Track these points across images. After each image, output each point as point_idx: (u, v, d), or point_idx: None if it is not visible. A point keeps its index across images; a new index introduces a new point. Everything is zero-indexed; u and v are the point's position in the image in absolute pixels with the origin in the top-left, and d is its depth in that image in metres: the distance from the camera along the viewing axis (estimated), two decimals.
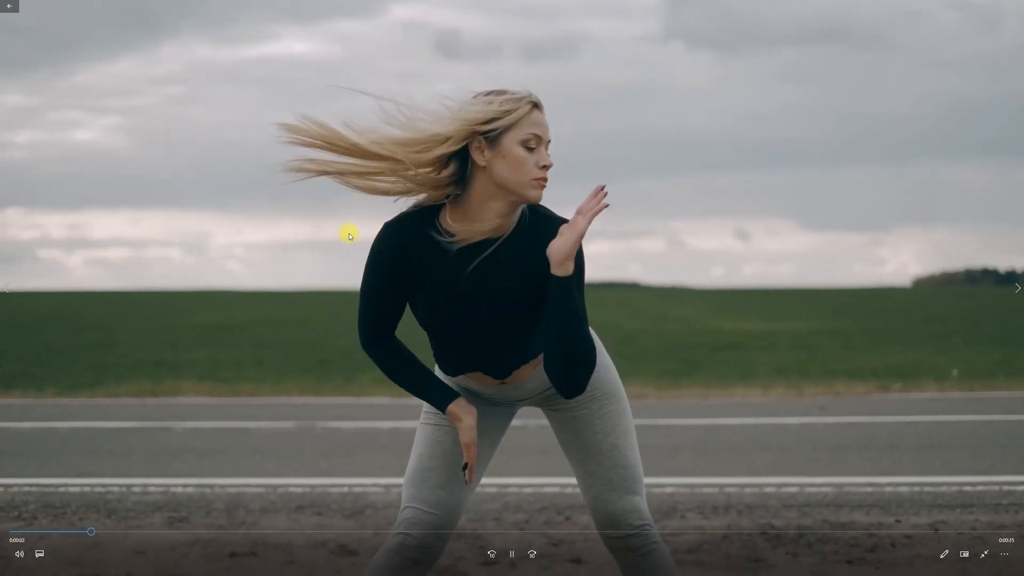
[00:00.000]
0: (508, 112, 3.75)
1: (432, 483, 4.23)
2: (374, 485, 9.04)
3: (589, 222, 3.76)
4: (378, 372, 20.89)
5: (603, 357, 4.21)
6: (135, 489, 8.94)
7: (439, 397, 4.06)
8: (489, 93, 3.81)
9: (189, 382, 18.49)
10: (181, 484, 9.13)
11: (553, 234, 3.85)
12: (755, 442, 11.26)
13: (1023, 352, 26.51)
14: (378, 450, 10.95)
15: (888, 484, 8.88)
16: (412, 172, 3.79)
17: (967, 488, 8.67)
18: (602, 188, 3.77)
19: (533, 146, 3.77)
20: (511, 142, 3.75)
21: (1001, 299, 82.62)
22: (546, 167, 3.79)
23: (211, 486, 9.05)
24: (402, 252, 3.88)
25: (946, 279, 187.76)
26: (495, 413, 4.29)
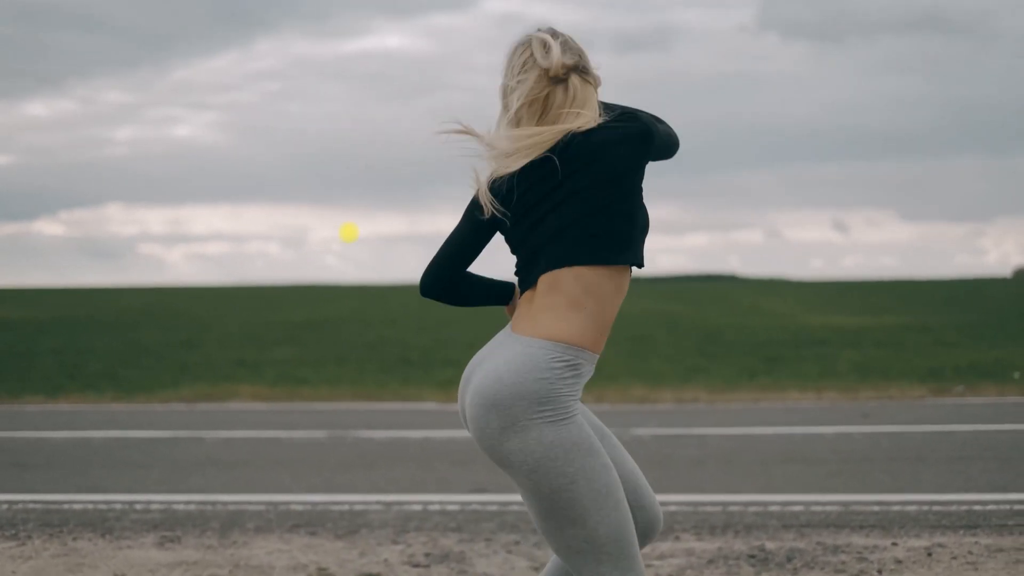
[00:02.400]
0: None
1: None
2: (377, 503, 8.97)
3: None
4: (445, 375, 21.02)
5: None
6: (137, 506, 8.94)
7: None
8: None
9: (248, 385, 18.57)
10: (184, 501, 9.12)
11: None
12: (783, 454, 11.07)
13: None
14: (401, 462, 10.89)
15: (897, 502, 8.68)
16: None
17: (976, 507, 8.45)
18: None
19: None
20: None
21: None
22: None
23: (213, 503, 9.04)
24: None
25: None
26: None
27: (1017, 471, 9.90)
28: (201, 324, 45.21)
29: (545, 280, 3.67)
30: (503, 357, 3.64)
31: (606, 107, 3.75)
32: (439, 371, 22.73)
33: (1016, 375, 18.66)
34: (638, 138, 3.63)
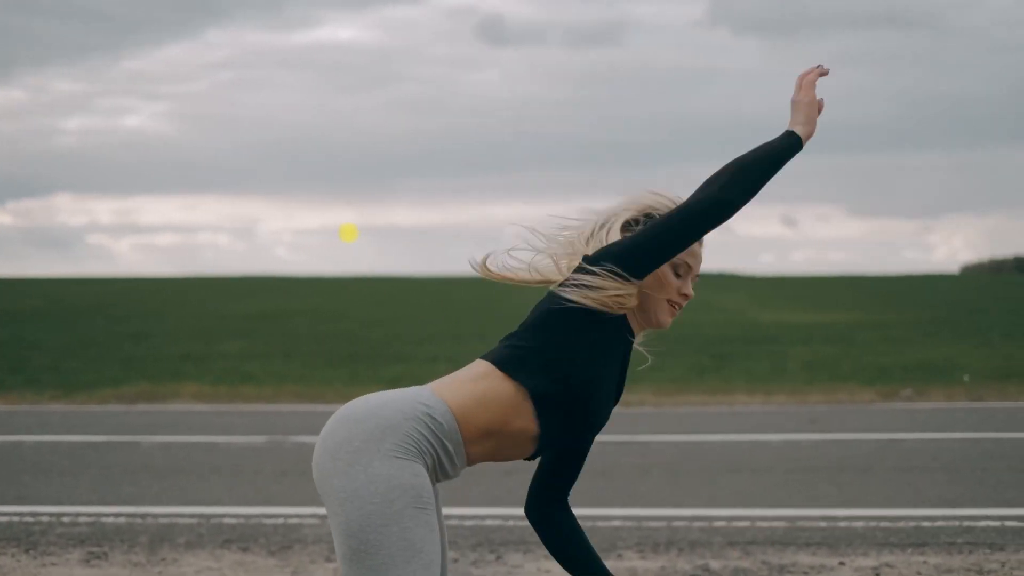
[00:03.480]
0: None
1: None
2: (312, 516, 8.74)
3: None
4: (393, 372, 20.80)
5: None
6: (64, 519, 8.66)
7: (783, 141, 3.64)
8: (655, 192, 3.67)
9: (191, 384, 18.29)
10: (114, 513, 8.85)
11: None
12: (729, 463, 10.89)
13: None
14: None
15: (844, 518, 8.50)
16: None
17: (925, 524, 8.28)
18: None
19: (683, 273, 3.63)
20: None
21: None
22: (686, 296, 3.64)
23: (144, 516, 8.77)
24: None
25: (995, 266, 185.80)
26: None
27: (965, 484, 9.75)
28: (149, 316, 44.79)
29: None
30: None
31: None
32: (387, 367, 22.52)
33: (966, 378, 18.56)
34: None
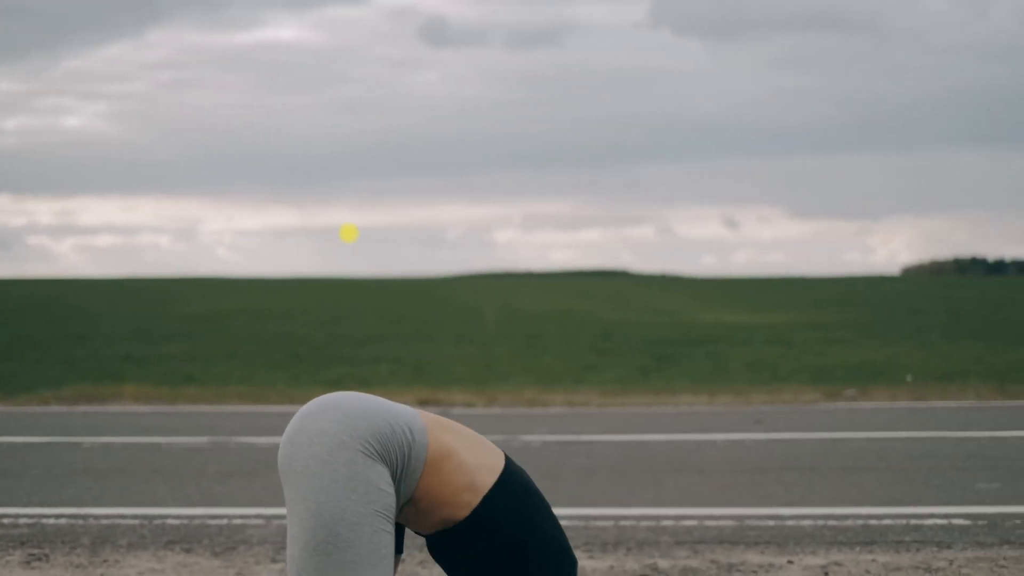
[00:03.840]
0: None
1: None
2: (256, 516, 8.64)
3: None
4: (336, 373, 20.70)
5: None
6: (5, 521, 8.53)
7: None
8: None
9: (133, 385, 18.13)
10: (55, 515, 8.72)
11: None
12: (675, 462, 10.86)
13: (1001, 347, 26.28)
14: None
15: (792, 516, 8.49)
16: None
17: (873, 522, 8.28)
18: None
19: None
20: None
21: (988, 289, 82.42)
22: None
23: (85, 517, 8.65)
24: None
25: (935, 268, 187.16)
26: None
27: (910, 482, 9.76)
28: (90, 317, 44.48)
29: None
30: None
31: None
32: (329, 368, 22.45)
33: (908, 378, 18.66)
34: None
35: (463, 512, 3.52)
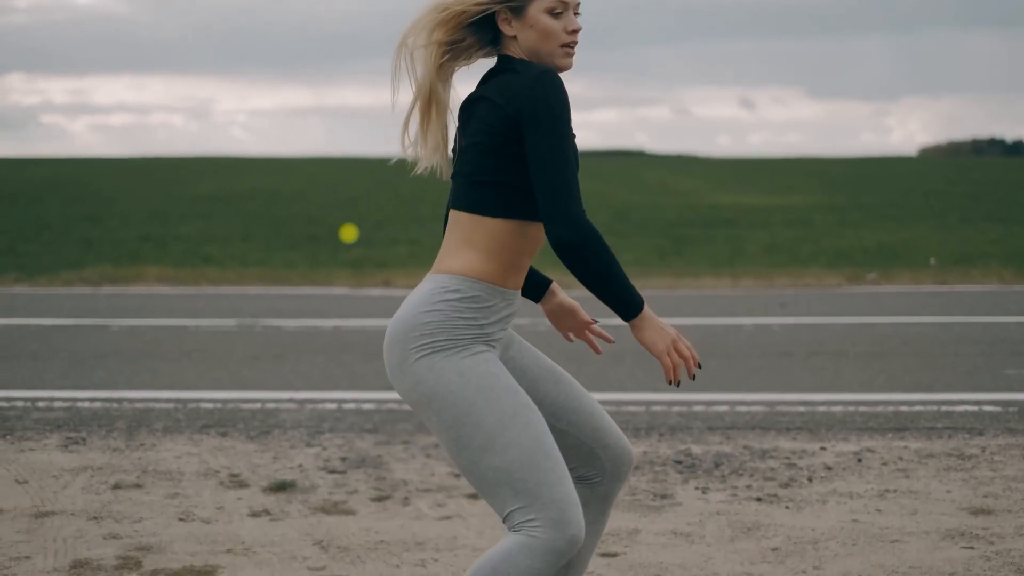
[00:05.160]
0: None
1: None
2: (289, 400, 8.69)
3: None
4: (353, 255, 20.74)
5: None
6: (40, 404, 8.59)
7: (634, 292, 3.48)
8: None
9: (154, 266, 18.16)
10: (89, 399, 8.77)
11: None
12: (702, 348, 10.85)
13: (1019, 228, 26.21)
14: (310, 354, 10.60)
15: (822, 403, 8.52)
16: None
17: (903, 408, 8.31)
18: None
19: (560, 11, 3.54)
20: (536, 11, 3.53)
21: (1006, 170, 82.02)
22: (575, 31, 3.57)
23: (119, 400, 8.70)
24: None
25: (952, 149, 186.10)
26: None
27: (939, 368, 9.78)
28: (105, 198, 44.42)
29: (451, 215, 3.58)
30: (409, 296, 3.56)
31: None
32: (347, 250, 22.43)
33: (932, 261, 18.63)
34: None
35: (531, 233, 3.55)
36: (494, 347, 3.54)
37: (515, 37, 3.58)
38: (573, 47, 3.58)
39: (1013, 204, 38.30)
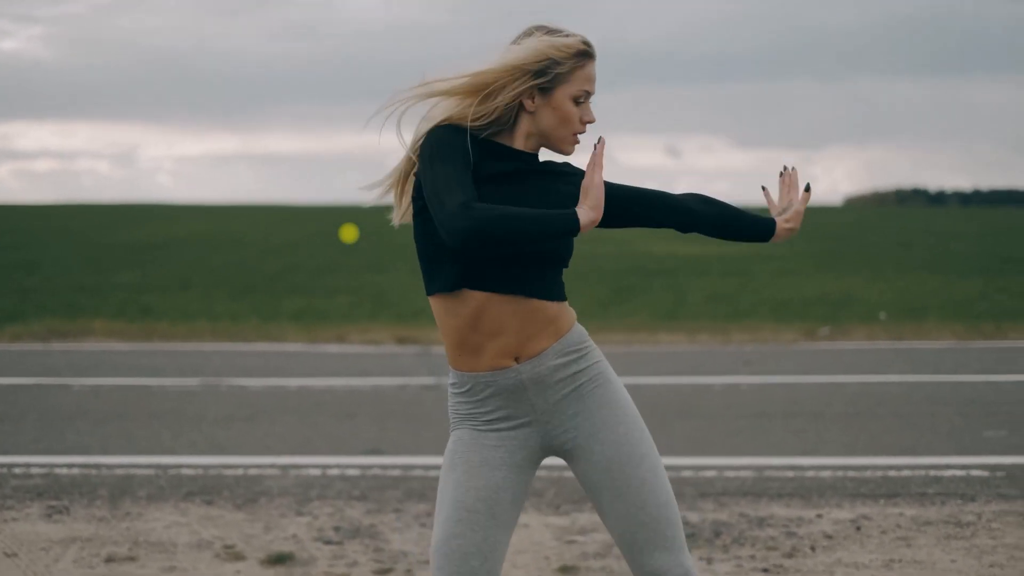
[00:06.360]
0: (563, 62, 3.57)
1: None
2: (271, 466, 8.56)
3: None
4: (296, 305, 20.59)
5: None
6: (16, 471, 8.41)
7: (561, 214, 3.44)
8: (547, 31, 3.62)
9: (103, 319, 17.95)
10: (66, 464, 8.60)
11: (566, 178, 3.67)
12: (677, 407, 10.85)
13: (953, 279, 26.46)
14: (282, 415, 10.47)
15: (811, 467, 8.49)
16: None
17: (892, 473, 8.29)
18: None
19: (582, 100, 3.60)
20: (563, 95, 3.57)
21: (931, 219, 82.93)
22: (588, 122, 3.64)
23: (98, 466, 8.54)
24: (465, 135, 3.55)
25: (877, 199, 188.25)
26: (506, 460, 3.63)
27: (919, 429, 9.79)
28: (37, 245, 43.94)
29: None
30: None
31: None
32: (289, 300, 22.26)
33: (882, 315, 18.74)
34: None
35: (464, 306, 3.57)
36: (496, 430, 3.58)
37: (533, 114, 3.59)
38: (579, 137, 3.64)
39: (944, 254, 38.69)
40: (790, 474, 8.30)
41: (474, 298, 3.50)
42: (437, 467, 8.50)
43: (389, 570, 6.26)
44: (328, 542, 6.73)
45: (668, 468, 8.34)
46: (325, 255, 38.41)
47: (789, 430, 9.84)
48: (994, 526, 7.00)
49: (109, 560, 6.40)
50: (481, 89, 3.54)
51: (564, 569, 6.28)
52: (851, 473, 8.31)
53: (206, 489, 7.90)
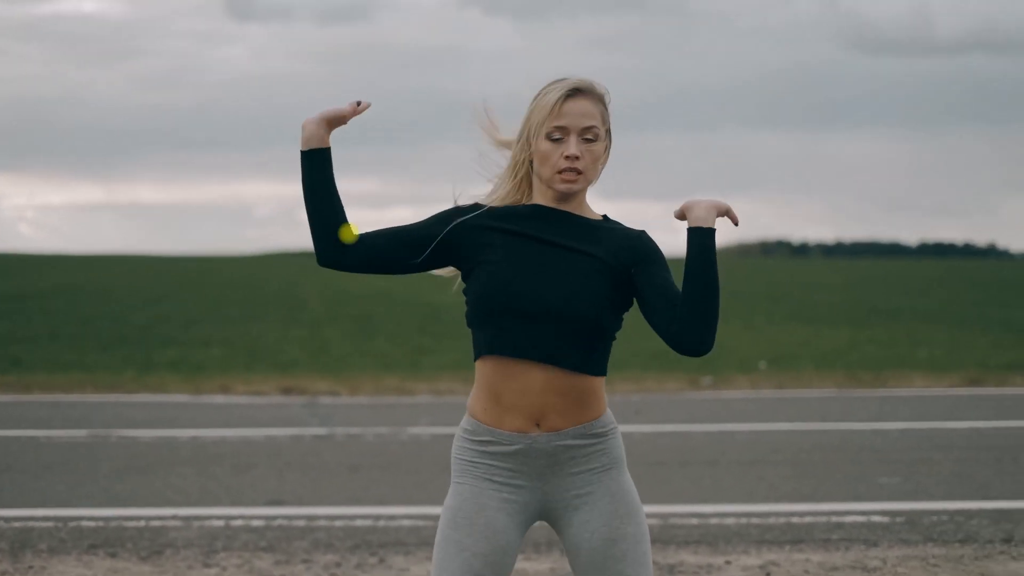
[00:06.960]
0: (533, 112, 3.65)
1: None
2: (173, 517, 8.45)
3: None
4: (170, 356, 20.38)
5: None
6: None
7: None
8: (542, 88, 3.69)
9: None
10: None
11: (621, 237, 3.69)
12: None
13: (825, 330, 26.85)
14: (177, 466, 10.35)
15: (714, 514, 8.56)
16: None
17: (795, 520, 8.39)
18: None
19: (558, 137, 3.58)
20: (538, 137, 3.61)
21: (795, 271, 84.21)
22: (570, 157, 3.58)
23: None
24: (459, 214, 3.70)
25: (742, 250, 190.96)
26: (507, 508, 3.61)
27: (815, 477, 9.91)
28: None
29: None
30: None
31: None
32: (162, 351, 22.00)
33: (762, 365, 18.97)
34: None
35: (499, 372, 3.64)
36: (499, 488, 3.58)
37: (532, 163, 3.66)
38: (572, 173, 3.60)
39: (811, 305, 39.28)
40: (695, 521, 8.37)
41: (506, 363, 3.53)
42: (342, 517, 8.46)
43: None
44: None
45: None
46: (195, 306, 38.07)
47: (687, 478, 9.92)
48: (899, 570, 7.12)
49: None
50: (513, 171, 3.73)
51: None
52: (755, 520, 8.39)
53: (109, 541, 7.78)
